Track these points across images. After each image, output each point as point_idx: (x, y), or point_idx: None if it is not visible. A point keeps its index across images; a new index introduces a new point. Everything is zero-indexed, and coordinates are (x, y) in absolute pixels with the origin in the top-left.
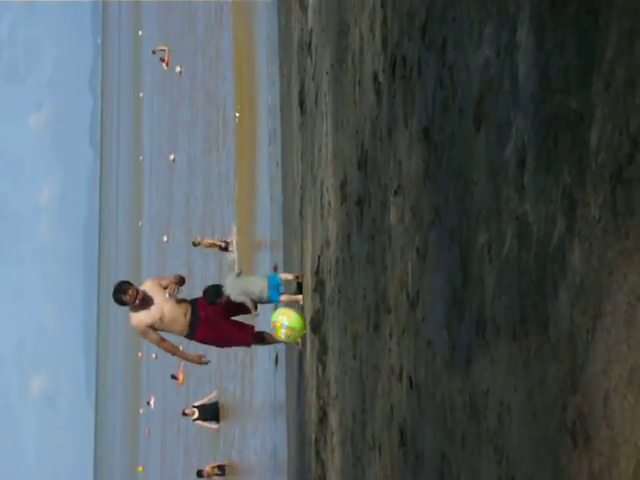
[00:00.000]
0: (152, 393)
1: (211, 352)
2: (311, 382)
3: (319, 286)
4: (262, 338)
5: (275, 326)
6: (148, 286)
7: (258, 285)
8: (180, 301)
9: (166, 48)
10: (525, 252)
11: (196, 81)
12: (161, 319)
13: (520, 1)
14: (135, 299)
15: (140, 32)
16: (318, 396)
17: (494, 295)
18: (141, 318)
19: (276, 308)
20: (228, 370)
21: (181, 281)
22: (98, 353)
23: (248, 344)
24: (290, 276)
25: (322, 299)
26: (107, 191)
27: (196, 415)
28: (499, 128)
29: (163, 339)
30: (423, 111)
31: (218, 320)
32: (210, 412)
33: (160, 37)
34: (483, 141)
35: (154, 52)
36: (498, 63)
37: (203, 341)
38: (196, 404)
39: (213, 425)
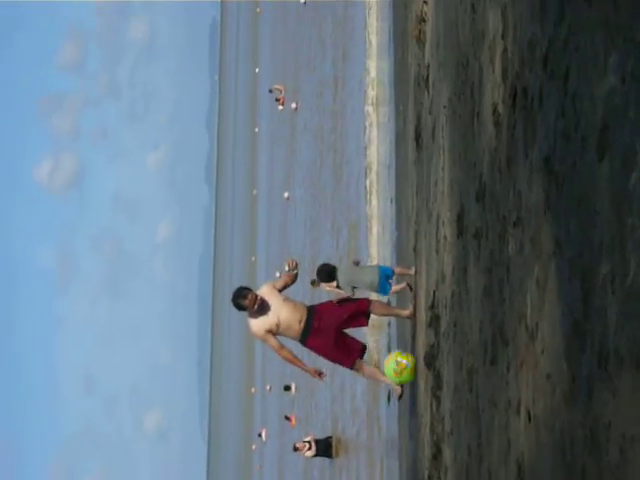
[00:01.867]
0: (263, 426)
1: (324, 388)
2: (425, 418)
3: (434, 321)
4: (362, 368)
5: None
6: (265, 291)
7: (370, 275)
8: (297, 306)
9: (282, 88)
10: None
11: (312, 118)
12: (277, 325)
13: None
14: (254, 304)
15: (257, 69)
16: (432, 432)
17: (617, 326)
18: (259, 324)
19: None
20: (341, 406)
21: (294, 278)
22: (211, 389)
23: (349, 366)
24: (404, 270)
25: (437, 334)
26: (222, 227)
27: (307, 449)
28: (624, 157)
29: (282, 346)
30: (544, 141)
31: (329, 333)
32: (322, 447)
33: (276, 74)
34: (607, 170)
35: (271, 90)
36: (623, 91)
37: (312, 349)
38: (306, 439)
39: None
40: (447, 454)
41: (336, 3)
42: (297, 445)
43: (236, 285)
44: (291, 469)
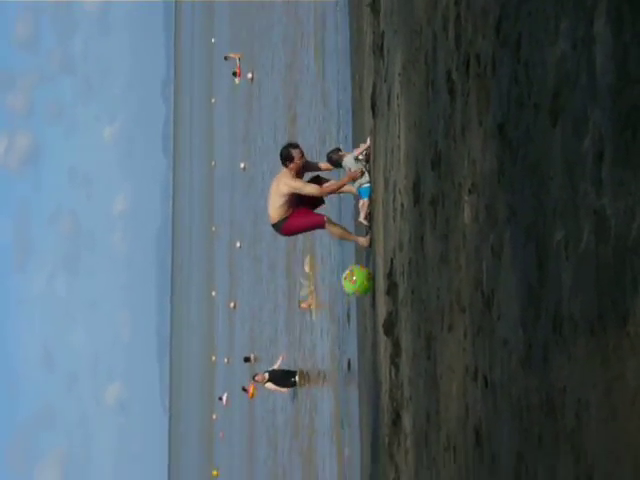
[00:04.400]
0: (225, 391)
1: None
2: (384, 385)
3: (392, 288)
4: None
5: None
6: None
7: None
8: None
9: (237, 56)
10: (603, 247)
11: (269, 87)
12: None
13: None
14: (303, 156)
15: (213, 39)
16: (391, 399)
17: (571, 292)
18: (296, 181)
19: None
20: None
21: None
22: (171, 359)
23: (322, 223)
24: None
25: (395, 301)
26: (180, 198)
27: (267, 378)
28: (576, 122)
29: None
30: (498, 108)
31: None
32: (281, 377)
33: (233, 44)
34: (559, 136)
35: (226, 58)
36: (574, 57)
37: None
38: (268, 369)
39: (283, 389)
40: (406, 421)
41: None
42: (256, 377)
43: (196, 257)
44: (255, 434)
